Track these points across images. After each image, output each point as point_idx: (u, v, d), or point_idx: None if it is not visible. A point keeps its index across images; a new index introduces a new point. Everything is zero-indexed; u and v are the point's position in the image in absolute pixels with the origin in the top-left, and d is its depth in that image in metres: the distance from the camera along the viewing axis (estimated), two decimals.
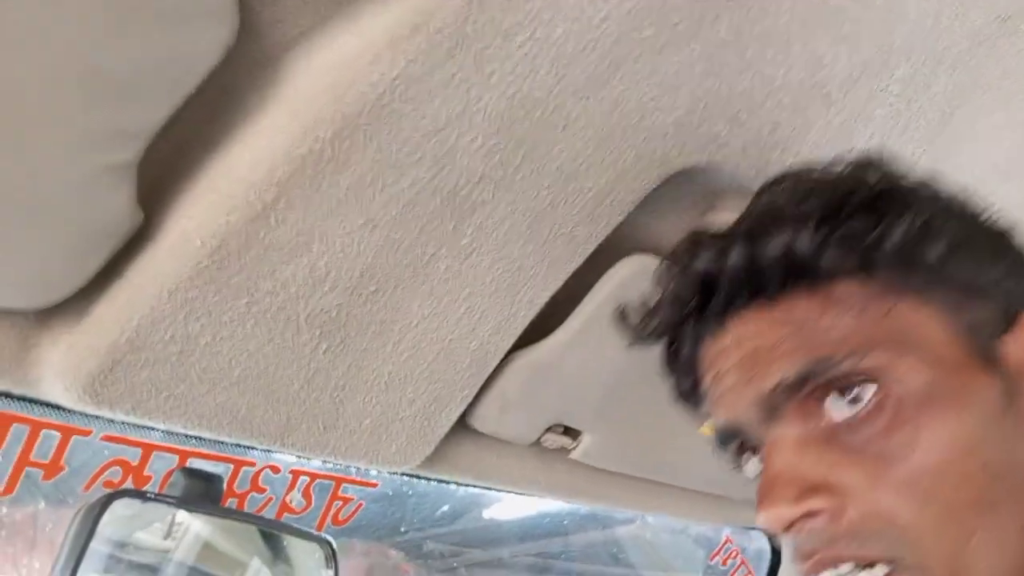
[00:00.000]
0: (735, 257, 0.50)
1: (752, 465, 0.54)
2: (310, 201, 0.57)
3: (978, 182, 0.91)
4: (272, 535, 0.99)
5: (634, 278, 0.84)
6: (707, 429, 1.09)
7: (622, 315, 0.62)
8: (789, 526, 0.47)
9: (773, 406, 0.49)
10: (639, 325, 0.60)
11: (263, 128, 0.55)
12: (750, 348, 0.50)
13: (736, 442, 0.55)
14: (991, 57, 0.77)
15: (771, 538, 1.52)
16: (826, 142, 0.76)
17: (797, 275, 0.49)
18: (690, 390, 0.60)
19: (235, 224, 0.56)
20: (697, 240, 0.55)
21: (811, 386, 0.47)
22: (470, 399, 0.83)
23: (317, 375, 0.69)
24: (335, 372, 0.70)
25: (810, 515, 0.46)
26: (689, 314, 0.55)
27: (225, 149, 0.56)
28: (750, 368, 0.50)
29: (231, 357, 0.65)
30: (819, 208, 0.49)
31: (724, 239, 0.52)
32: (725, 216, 0.83)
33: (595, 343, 0.87)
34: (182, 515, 1.01)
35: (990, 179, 0.91)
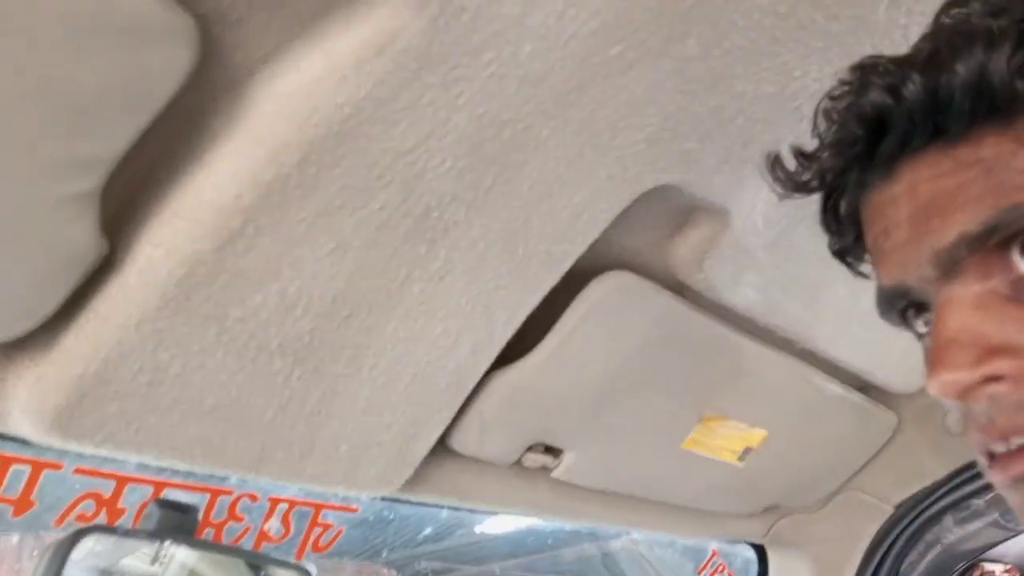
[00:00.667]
0: (913, 88, 0.43)
1: (921, 326, 0.48)
2: (278, 227, 0.57)
3: None
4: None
5: (610, 295, 0.84)
6: (689, 444, 1.09)
7: (774, 162, 0.53)
8: (965, 393, 0.41)
9: (951, 261, 0.42)
10: (795, 172, 0.51)
11: (228, 153, 0.54)
12: (926, 196, 0.43)
13: (903, 303, 0.48)
14: None
15: (758, 548, 1.51)
16: None
17: (987, 108, 0.41)
18: (851, 246, 0.53)
19: (202, 252, 0.55)
20: (868, 68, 0.46)
21: (997, 238, 0.41)
22: (448, 421, 0.82)
23: (291, 402, 0.68)
24: (310, 398, 0.69)
25: (991, 380, 0.41)
26: (855, 158, 0.47)
27: (190, 175, 0.55)
28: (925, 219, 0.43)
29: (202, 387, 0.64)
30: (1017, 26, 0.41)
31: (900, 66, 0.44)
32: (700, 232, 0.83)
33: (574, 361, 0.87)
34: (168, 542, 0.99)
35: None
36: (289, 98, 0.52)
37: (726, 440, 1.12)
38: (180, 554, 1.06)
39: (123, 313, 0.57)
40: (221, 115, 0.54)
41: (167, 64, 0.48)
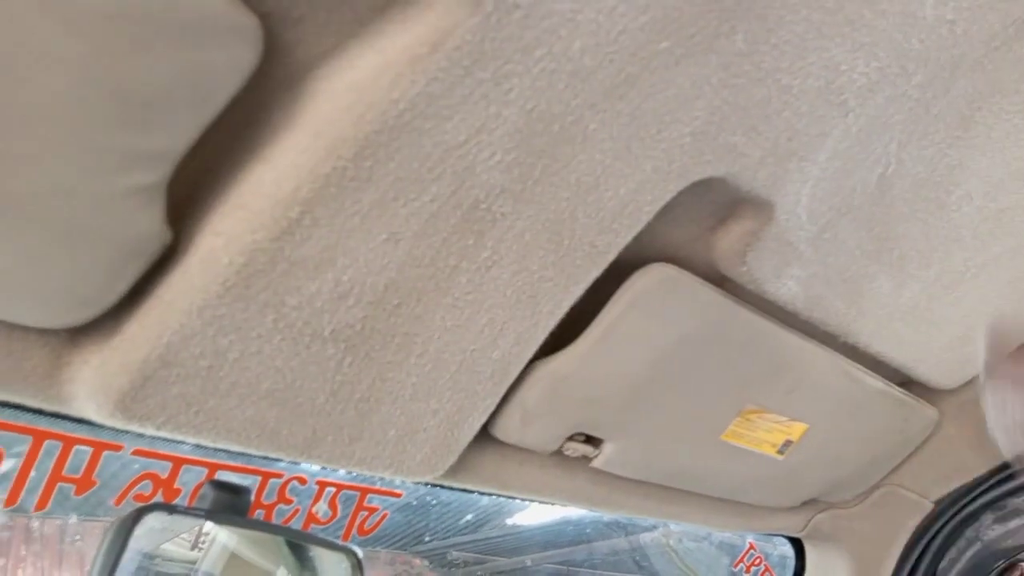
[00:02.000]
0: None
1: None
2: (334, 218, 0.58)
3: (998, 187, 0.91)
4: (299, 545, 1.00)
5: (653, 288, 0.85)
6: (729, 436, 1.09)
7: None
8: None
9: None
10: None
11: (288, 147, 0.56)
12: None
13: None
14: (1008, 61, 0.77)
15: (795, 542, 1.51)
16: (844, 149, 0.76)
17: None
18: None
19: (261, 241, 0.57)
20: None
21: None
22: (492, 409, 0.84)
23: (343, 387, 0.70)
24: (360, 384, 0.71)
25: None
26: None
27: (251, 168, 0.57)
28: None
29: (259, 371, 0.66)
30: None
31: None
32: (744, 225, 0.84)
33: (615, 352, 0.88)
34: (209, 526, 1.02)
35: (1010, 184, 0.91)
36: (346, 94, 0.54)
37: (766, 433, 1.12)
38: (221, 537, 1.10)
39: (185, 299, 0.60)
40: (281, 110, 0.56)
41: (230, 61, 0.50)
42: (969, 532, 1.54)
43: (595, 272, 0.79)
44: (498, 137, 0.61)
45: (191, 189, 0.59)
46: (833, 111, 0.71)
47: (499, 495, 1.05)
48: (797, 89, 0.68)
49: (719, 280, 0.91)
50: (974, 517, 1.49)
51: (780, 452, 1.16)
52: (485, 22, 0.53)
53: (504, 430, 0.88)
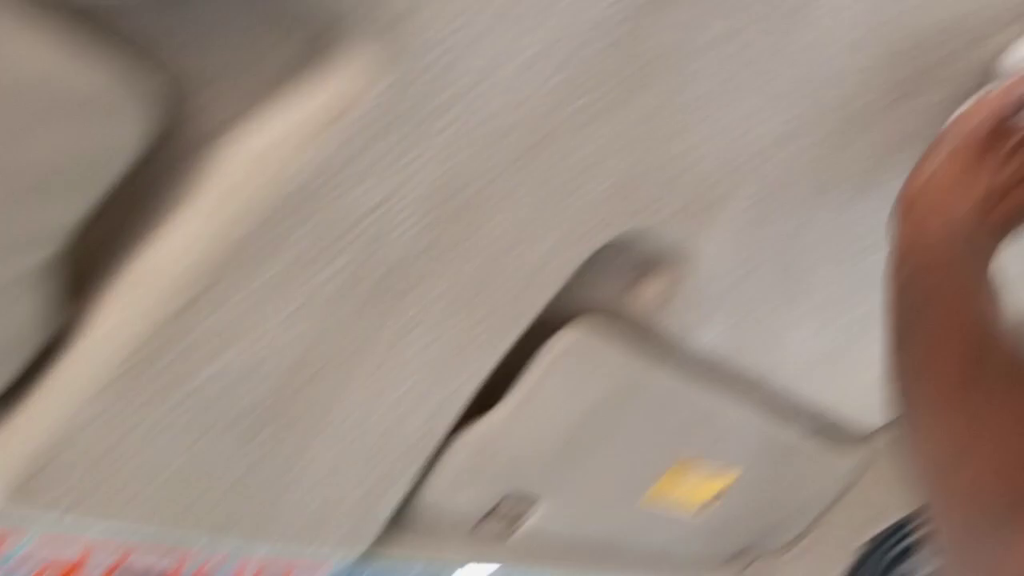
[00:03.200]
0: None
1: None
2: (240, 290, 0.55)
3: None
4: None
5: (576, 346, 0.84)
6: (658, 491, 1.08)
7: None
8: None
9: None
10: None
11: (190, 218, 0.53)
12: None
13: None
14: (916, 108, 0.80)
15: None
16: (758, 201, 0.77)
17: None
18: None
19: (163, 317, 0.54)
20: None
21: None
22: (417, 477, 0.80)
23: (257, 464, 0.66)
24: (275, 460, 0.67)
25: None
26: None
27: (151, 241, 0.54)
28: None
29: (165, 452, 0.62)
30: None
31: None
32: (664, 278, 0.84)
33: (540, 413, 0.86)
34: None
35: None
36: (251, 162, 0.52)
37: (694, 487, 1.12)
38: None
39: (84, 380, 0.56)
40: (183, 179, 0.53)
41: (127, 132, 0.47)
42: (900, 571, 1.56)
43: (516, 332, 0.77)
44: (411, 202, 0.59)
45: (88, 265, 0.55)
46: (746, 164, 0.72)
47: (428, 564, 1.01)
48: (711, 143, 0.69)
49: (642, 334, 0.91)
50: (903, 557, 1.51)
51: (708, 504, 1.16)
52: (394, 87, 0.52)
53: (431, 498, 0.85)
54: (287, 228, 0.55)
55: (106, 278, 0.54)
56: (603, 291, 0.87)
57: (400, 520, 0.84)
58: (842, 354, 1.05)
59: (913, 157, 0.84)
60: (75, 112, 0.43)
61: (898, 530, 1.45)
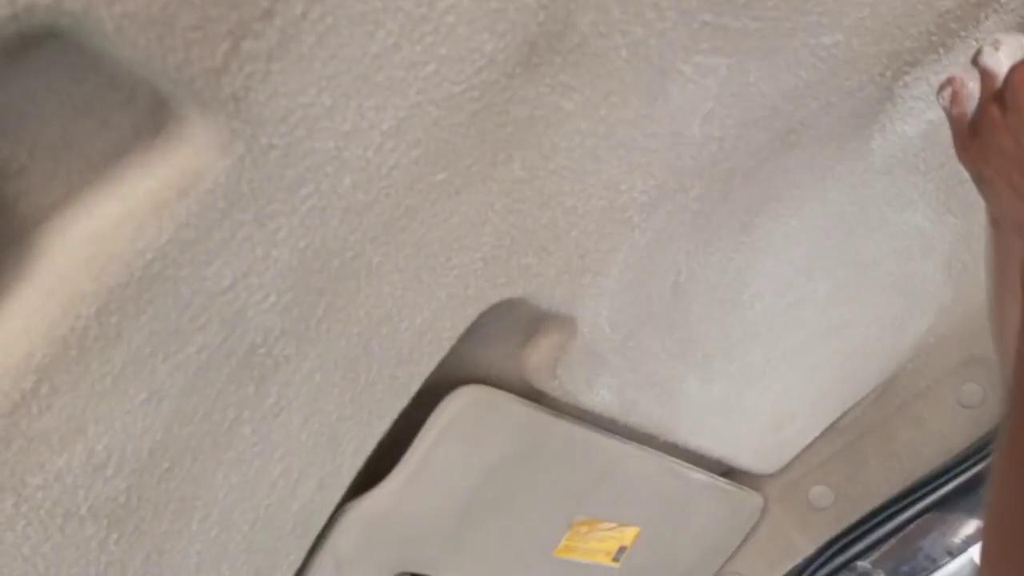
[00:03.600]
0: None
1: None
2: (79, 383, 0.51)
3: (786, 283, 0.96)
4: None
5: (466, 410, 0.82)
6: (562, 552, 1.06)
7: None
8: None
9: None
10: None
11: (16, 310, 0.49)
12: None
13: None
14: (778, 170, 0.82)
15: None
16: (636, 262, 0.77)
17: None
18: None
19: None
20: None
21: None
22: (298, 564, 0.76)
23: (110, 569, 0.61)
24: (132, 562, 0.62)
25: None
26: None
27: None
28: None
29: (2, 564, 0.56)
30: None
31: None
32: (550, 340, 0.83)
33: (432, 483, 0.84)
34: None
35: (796, 279, 0.96)
36: (83, 247, 0.48)
37: (599, 543, 1.10)
38: None
39: None
40: (8, 269, 0.49)
41: None
42: None
43: (400, 404, 0.75)
44: (270, 278, 0.57)
45: None
46: (619, 228, 0.72)
47: None
48: (582, 209, 0.69)
49: (534, 395, 0.89)
50: None
51: (615, 559, 1.14)
52: (239, 163, 0.49)
53: None
54: (128, 315, 0.51)
55: None
56: (493, 354, 0.86)
57: None
58: (733, 404, 1.06)
59: (780, 214, 0.87)
60: None
61: (805, 568, 1.47)
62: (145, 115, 0.47)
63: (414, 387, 0.74)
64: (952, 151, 0.73)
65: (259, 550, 0.70)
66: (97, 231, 0.48)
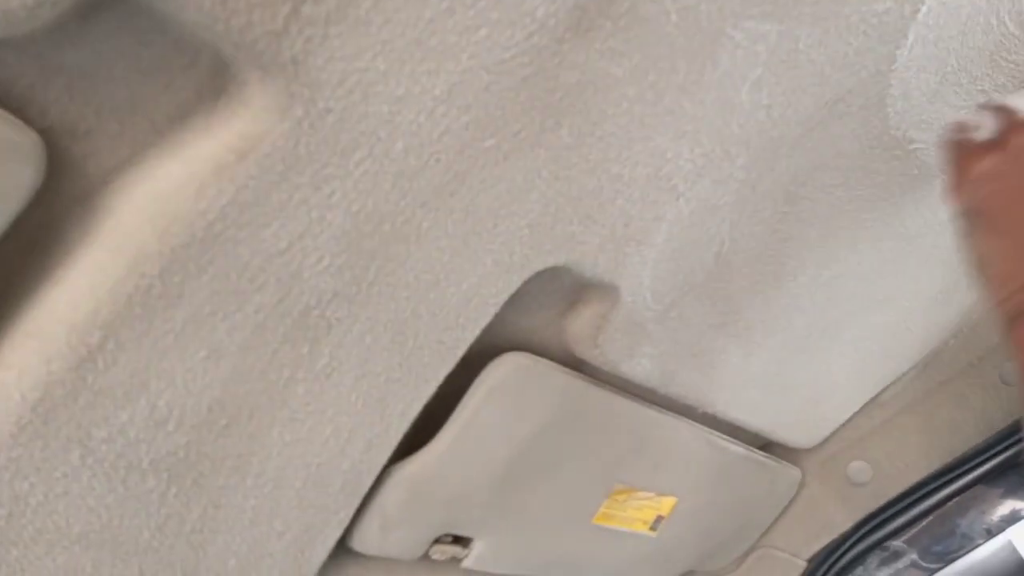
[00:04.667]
0: None
1: None
2: (142, 340, 0.53)
3: (829, 255, 0.95)
4: None
5: (508, 377, 0.83)
6: (600, 519, 1.07)
7: None
8: None
9: None
10: None
11: (84, 267, 0.51)
12: None
13: None
14: (825, 139, 0.81)
15: None
16: (679, 231, 0.77)
17: None
18: None
19: (58, 372, 0.51)
20: None
21: None
22: (347, 522, 0.78)
23: (170, 521, 0.64)
24: (190, 515, 0.65)
25: None
26: None
27: (44, 293, 0.51)
28: None
29: (68, 514, 0.59)
30: None
31: None
32: (592, 309, 0.84)
33: (475, 447, 0.85)
34: None
35: (840, 251, 0.95)
36: (148, 207, 0.50)
37: (637, 511, 1.11)
38: None
39: None
40: (75, 228, 0.51)
41: (10, 182, 0.45)
42: None
43: (445, 369, 0.76)
44: (324, 241, 0.58)
45: None
46: (664, 196, 0.72)
47: None
48: (627, 177, 0.69)
49: (575, 364, 0.90)
50: (848, 570, 1.52)
51: (652, 528, 1.15)
52: (297, 127, 0.51)
53: (363, 542, 0.83)
54: (190, 274, 0.53)
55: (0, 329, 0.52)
56: (535, 321, 0.87)
57: (330, 569, 0.82)
58: (773, 376, 1.06)
59: (826, 184, 0.86)
60: None
61: (842, 544, 1.47)
62: (207, 78, 0.49)
63: (459, 352, 0.75)
64: None
65: (310, 507, 0.72)
66: (161, 192, 0.50)
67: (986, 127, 0.70)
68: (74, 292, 0.51)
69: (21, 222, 0.48)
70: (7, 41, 0.41)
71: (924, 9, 0.74)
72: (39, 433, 0.54)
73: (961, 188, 0.73)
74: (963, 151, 0.72)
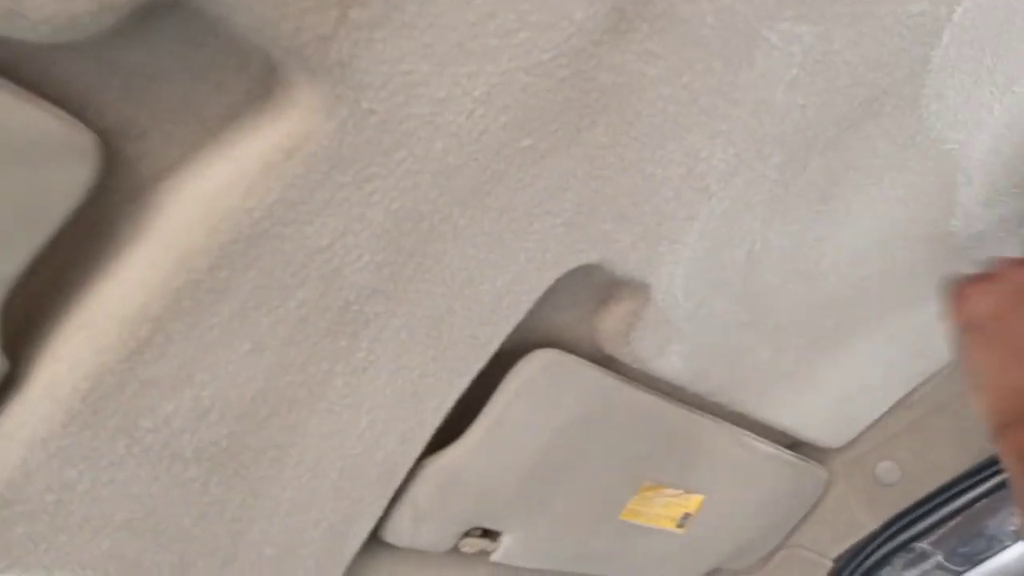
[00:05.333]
0: None
1: None
2: (190, 333, 0.55)
3: (861, 255, 0.95)
4: None
5: (539, 374, 0.84)
6: (628, 515, 1.08)
7: None
8: None
9: None
10: None
11: (135, 262, 0.52)
12: None
13: None
14: (859, 139, 0.81)
15: None
16: (712, 230, 0.78)
17: None
18: None
19: (108, 363, 0.53)
20: None
21: None
22: (380, 513, 0.80)
23: (210, 509, 0.65)
24: (230, 504, 0.66)
25: None
26: None
27: (95, 286, 0.53)
28: None
29: (113, 501, 0.61)
30: None
31: None
32: (624, 306, 0.84)
33: (506, 442, 0.86)
34: None
35: (872, 251, 0.95)
36: (197, 205, 0.51)
37: (664, 508, 1.12)
38: None
39: (27, 431, 0.55)
40: (127, 224, 0.52)
41: (67, 180, 0.46)
42: None
43: (479, 364, 0.77)
44: (365, 239, 0.59)
45: (30, 312, 0.55)
46: (697, 195, 0.73)
47: None
48: (661, 176, 0.70)
49: (605, 361, 0.91)
50: (874, 570, 1.52)
51: (680, 526, 1.16)
52: (341, 127, 0.52)
53: (396, 533, 0.85)
54: (237, 270, 0.54)
55: (49, 326, 0.54)
56: (567, 318, 0.88)
57: (363, 559, 0.84)
58: (802, 375, 1.06)
59: (860, 184, 0.86)
60: (20, 155, 0.43)
61: (868, 544, 1.46)
62: (256, 81, 0.50)
63: (492, 348, 0.76)
64: None
65: (345, 497, 0.74)
66: (210, 191, 0.52)
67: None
68: (125, 286, 0.53)
69: (76, 218, 0.49)
70: (69, 44, 0.43)
71: (960, 11, 0.74)
72: (88, 423, 0.55)
73: (957, 308, 0.84)
74: (962, 278, 0.85)
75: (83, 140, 0.46)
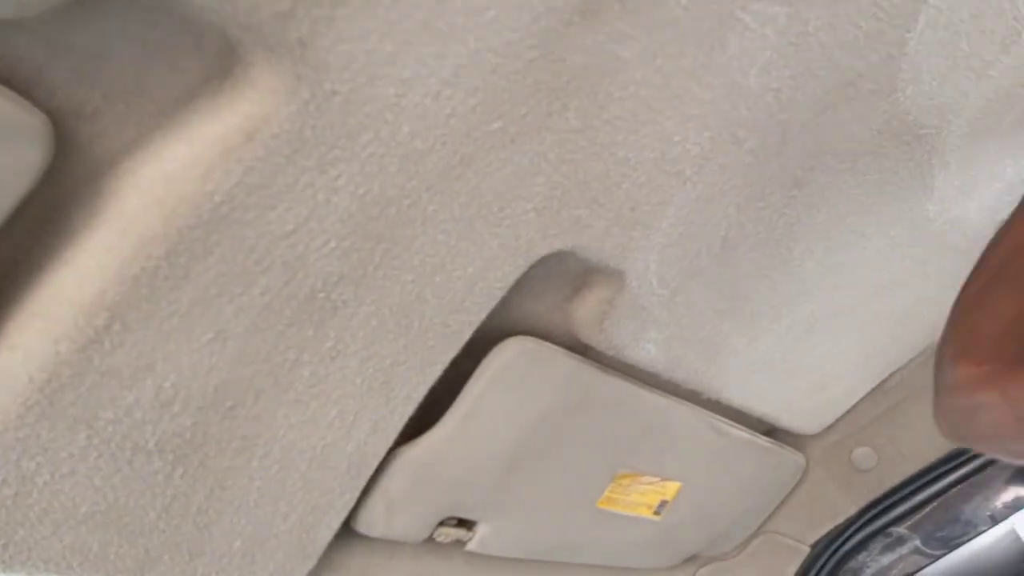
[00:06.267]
0: None
1: None
2: (148, 321, 0.53)
3: (836, 240, 0.95)
4: None
5: (513, 361, 0.83)
6: (604, 503, 1.08)
7: None
8: None
9: None
10: None
11: (90, 248, 0.51)
12: None
13: None
14: (834, 123, 0.81)
15: None
16: (686, 215, 0.77)
17: None
18: None
19: (65, 353, 0.52)
20: None
21: None
22: (352, 504, 0.79)
23: (175, 501, 0.64)
24: (195, 496, 0.65)
25: None
26: None
27: (51, 273, 0.51)
28: None
29: (75, 494, 0.59)
30: None
31: None
32: (598, 294, 0.84)
33: (480, 431, 0.85)
34: None
35: (847, 237, 0.95)
36: (154, 188, 0.50)
37: (641, 496, 1.12)
38: None
39: None
40: (82, 209, 0.51)
41: (17, 163, 0.45)
42: (849, 568, 1.58)
43: (451, 352, 0.76)
44: (330, 224, 0.58)
45: None
46: (671, 180, 0.72)
47: None
48: (634, 161, 0.68)
49: (580, 348, 0.90)
50: (851, 555, 1.53)
51: (656, 513, 1.15)
52: (303, 109, 0.50)
53: (368, 524, 0.83)
54: (196, 256, 0.53)
55: (3, 314, 0.52)
56: (541, 306, 0.87)
57: (335, 550, 0.82)
58: (779, 362, 1.06)
59: (834, 168, 0.85)
60: None
61: (845, 530, 1.47)
62: (213, 60, 0.49)
63: (465, 336, 0.75)
64: None
65: (315, 488, 0.73)
66: (167, 174, 0.50)
67: None
68: (81, 273, 0.51)
69: (28, 203, 0.48)
70: (16, 22, 0.41)
71: None
72: (45, 414, 0.54)
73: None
74: None
75: (33, 121, 0.44)
